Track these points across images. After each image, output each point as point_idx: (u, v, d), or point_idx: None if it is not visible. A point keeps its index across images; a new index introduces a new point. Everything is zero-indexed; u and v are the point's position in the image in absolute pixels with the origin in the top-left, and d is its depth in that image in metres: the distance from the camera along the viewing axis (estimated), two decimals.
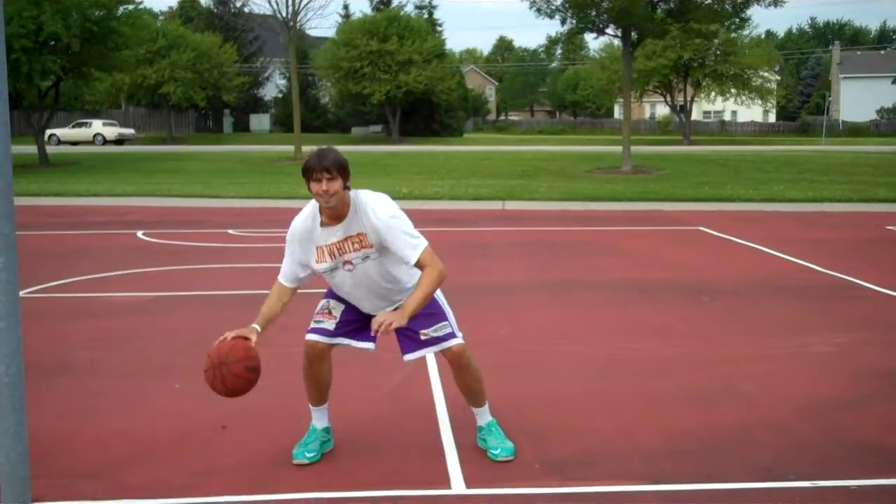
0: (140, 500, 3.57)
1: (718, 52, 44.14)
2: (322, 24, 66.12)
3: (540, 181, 22.01)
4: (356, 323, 3.91)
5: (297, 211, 3.91)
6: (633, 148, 26.14)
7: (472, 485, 3.70)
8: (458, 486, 3.70)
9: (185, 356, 5.63)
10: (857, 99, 62.59)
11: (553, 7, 25.55)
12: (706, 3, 25.40)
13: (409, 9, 56.44)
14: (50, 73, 26.95)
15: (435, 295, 3.90)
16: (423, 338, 3.84)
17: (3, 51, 3.03)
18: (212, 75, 44.16)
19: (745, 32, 42.68)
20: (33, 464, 3.50)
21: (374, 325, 3.61)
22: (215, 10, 54.72)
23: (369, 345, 3.92)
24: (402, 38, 43.22)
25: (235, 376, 3.55)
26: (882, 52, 72.15)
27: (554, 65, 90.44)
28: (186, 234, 12.35)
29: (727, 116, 65.79)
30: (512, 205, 16.89)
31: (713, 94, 47.99)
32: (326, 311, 3.91)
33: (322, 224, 3.74)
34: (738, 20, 28.71)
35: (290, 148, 31.92)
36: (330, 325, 3.87)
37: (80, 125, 44.28)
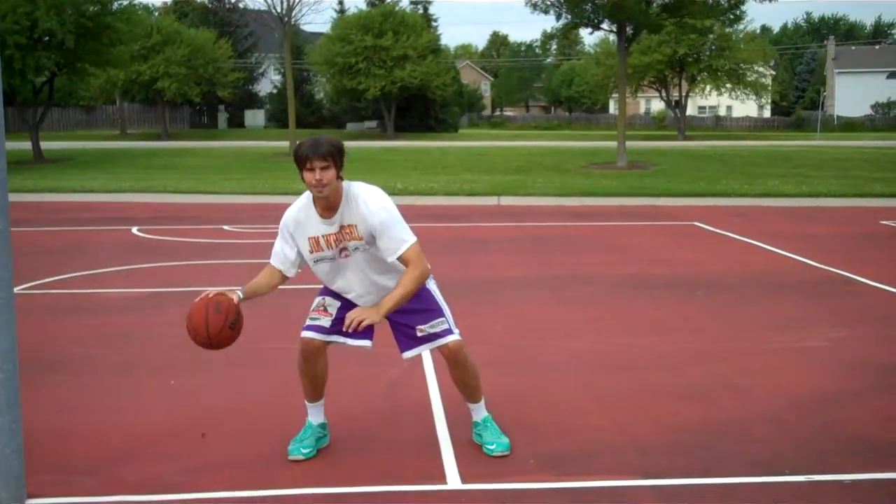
0: (136, 496, 3.57)
1: (713, 48, 44.17)
2: (317, 19, 66.14)
3: (535, 177, 21.99)
4: None
5: None
6: (628, 143, 26.11)
7: (467, 480, 3.70)
8: (453, 481, 3.70)
9: (181, 352, 5.61)
10: (851, 94, 62.57)
11: (548, 2, 25.55)
12: None
13: (405, 4, 56.29)
14: (44, 70, 26.84)
15: (432, 291, 3.90)
16: (419, 334, 3.84)
17: None
18: (206, 71, 43.98)
19: (741, 27, 42.77)
20: (28, 460, 3.50)
21: (347, 320, 3.60)
22: (210, 6, 54.58)
23: (365, 342, 3.90)
24: (397, 34, 43.11)
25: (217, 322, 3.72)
26: (877, 47, 72.11)
27: (549, 60, 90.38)
28: (181, 229, 12.33)
29: (722, 112, 65.80)
30: (507, 200, 16.88)
31: (708, 89, 48.00)
32: (322, 307, 3.89)
33: (315, 215, 3.73)
34: (733, 15, 28.74)
35: (285, 144, 31.83)
36: (326, 322, 3.86)
37: None
